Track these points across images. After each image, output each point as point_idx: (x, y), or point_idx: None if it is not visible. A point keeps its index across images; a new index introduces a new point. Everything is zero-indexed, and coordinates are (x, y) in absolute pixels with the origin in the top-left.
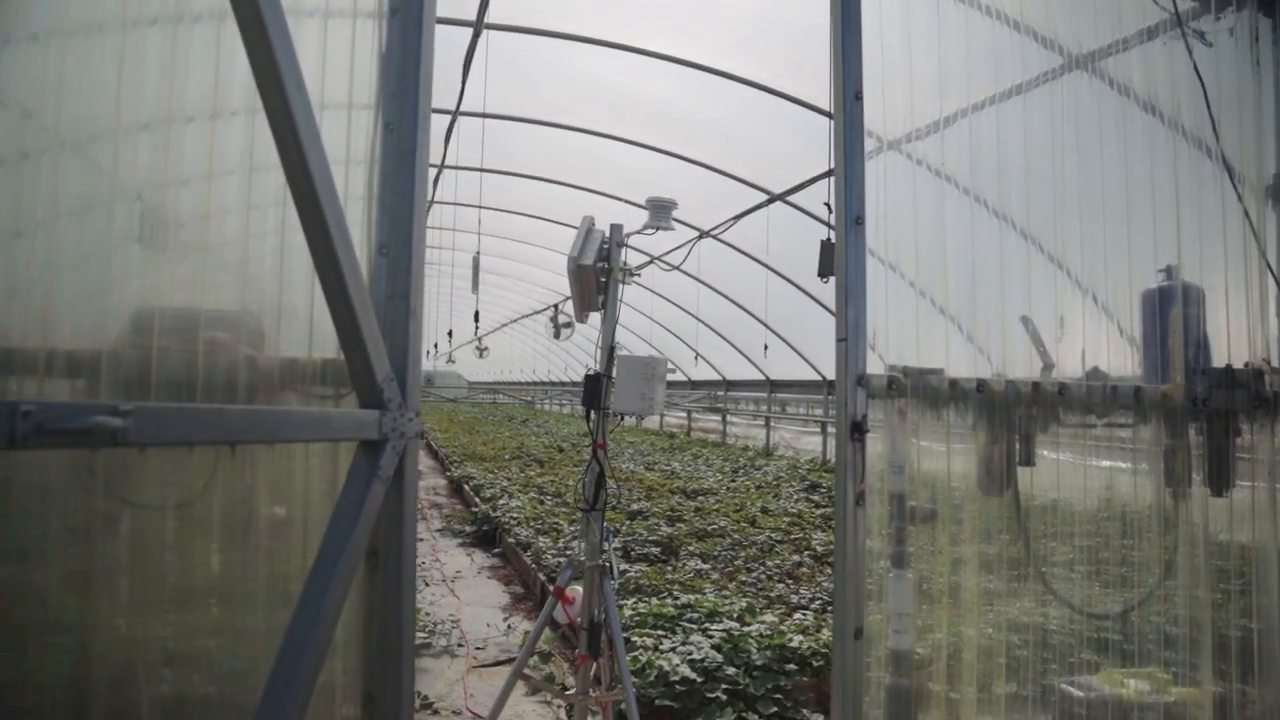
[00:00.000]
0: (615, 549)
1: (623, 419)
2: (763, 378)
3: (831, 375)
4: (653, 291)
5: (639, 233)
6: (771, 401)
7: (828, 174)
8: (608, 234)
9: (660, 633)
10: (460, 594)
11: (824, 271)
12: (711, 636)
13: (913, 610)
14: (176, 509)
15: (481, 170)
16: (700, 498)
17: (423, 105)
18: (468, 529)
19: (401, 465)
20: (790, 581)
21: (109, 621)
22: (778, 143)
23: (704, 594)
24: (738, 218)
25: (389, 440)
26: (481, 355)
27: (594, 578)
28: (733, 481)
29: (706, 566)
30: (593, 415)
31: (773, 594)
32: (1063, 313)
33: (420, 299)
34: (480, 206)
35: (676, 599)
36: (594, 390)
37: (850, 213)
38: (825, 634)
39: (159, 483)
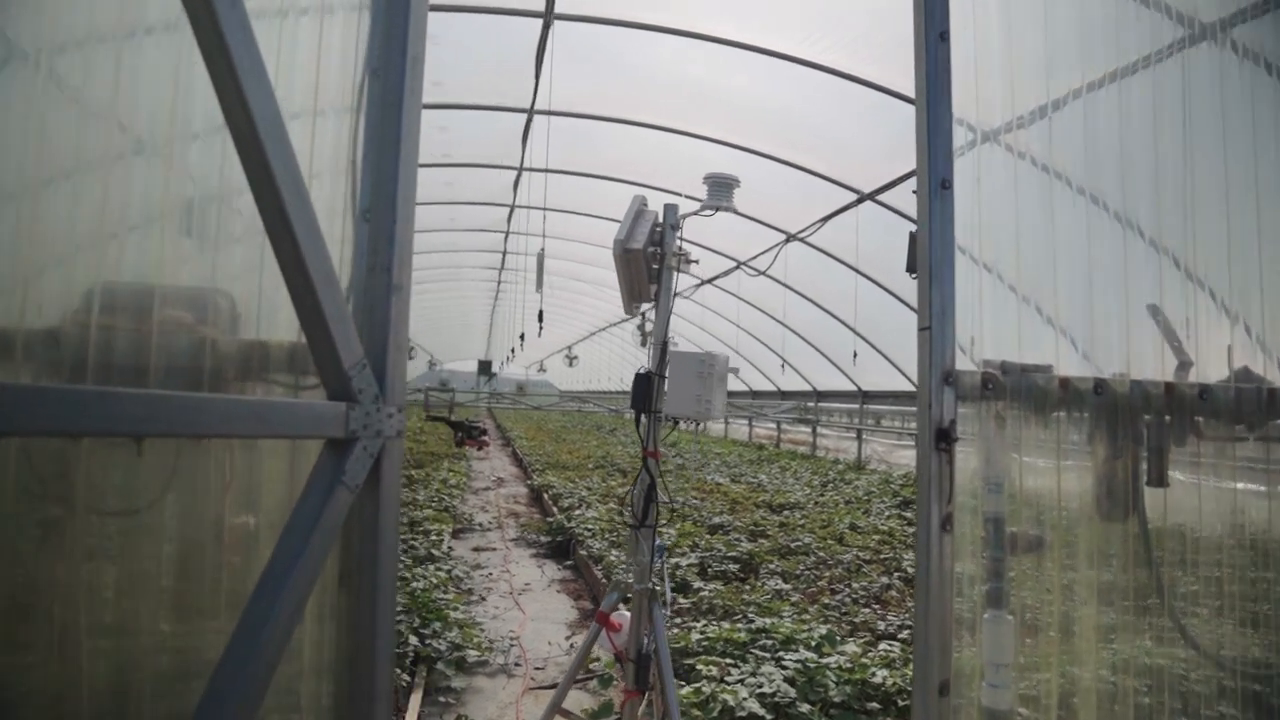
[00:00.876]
0: (692, 566)
1: (677, 424)
2: (854, 388)
3: None
4: (738, 298)
5: (696, 214)
6: (863, 413)
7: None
8: (661, 215)
9: (729, 661)
10: (526, 608)
11: (913, 266)
12: (785, 667)
13: (1011, 660)
14: (50, 522)
15: (561, 172)
16: (786, 512)
17: (413, 46)
18: (542, 539)
19: (378, 470)
20: (877, 606)
21: None
22: (867, 138)
23: (781, 617)
24: (825, 219)
25: (359, 439)
26: (571, 364)
27: (642, 603)
28: (821, 496)
29: (787, 587)
30: (643, 419)
31: (857, 619)
32: (1196, 305)
33: (407, 272)
34: (563, 211)
35: (750, 622)
36: (643, 391)
37: (935, 174)
38: (913, 669)
39: (48, 481)
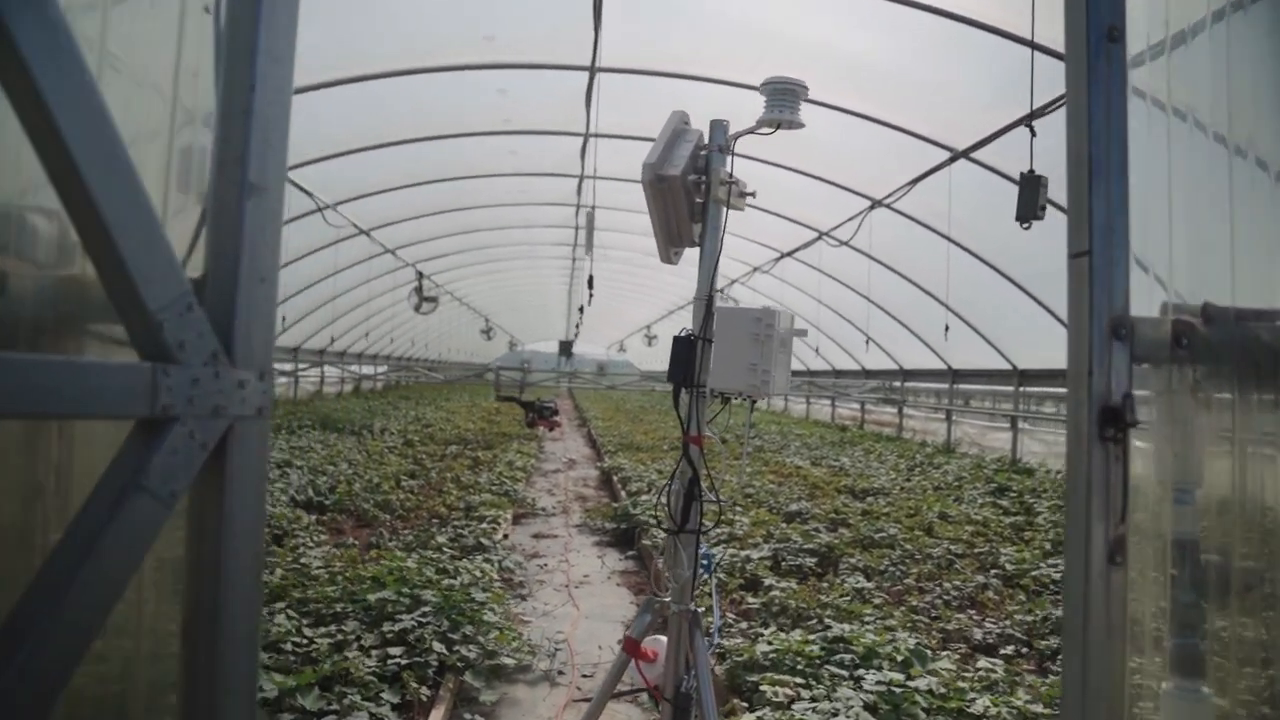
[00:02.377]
0: (764, 559)
1: (727, 402)
2: (943, 366)
3: (1024, 364)
4: (819, 270)
5: (752, 131)
6: (953, 393)
7: (1027, 118)
8: (706, 136)
9: (799, 681)
10: (581, 603)
11: (1025, 213)
12: (865, 691)
13: None
14: None
15: (628, 137)
16: (869, 499)
17: None
18: (607, 525)
19: (221, 468)
20: (973, 611)
21: None
22: (961, 87)
23: (862, 623)
24: (914, 182)
25: (177, 420)
26: (650, 343)
27: (682, 629)
28: (907, 481)
29: (869, 585)
30: (683, 396)
31: (949, 626)
32: None
33: (280, 174)
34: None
35: (826, 629)
36: (683, 360)
37: (1096, 20)
38: (1021, 696)
39: None
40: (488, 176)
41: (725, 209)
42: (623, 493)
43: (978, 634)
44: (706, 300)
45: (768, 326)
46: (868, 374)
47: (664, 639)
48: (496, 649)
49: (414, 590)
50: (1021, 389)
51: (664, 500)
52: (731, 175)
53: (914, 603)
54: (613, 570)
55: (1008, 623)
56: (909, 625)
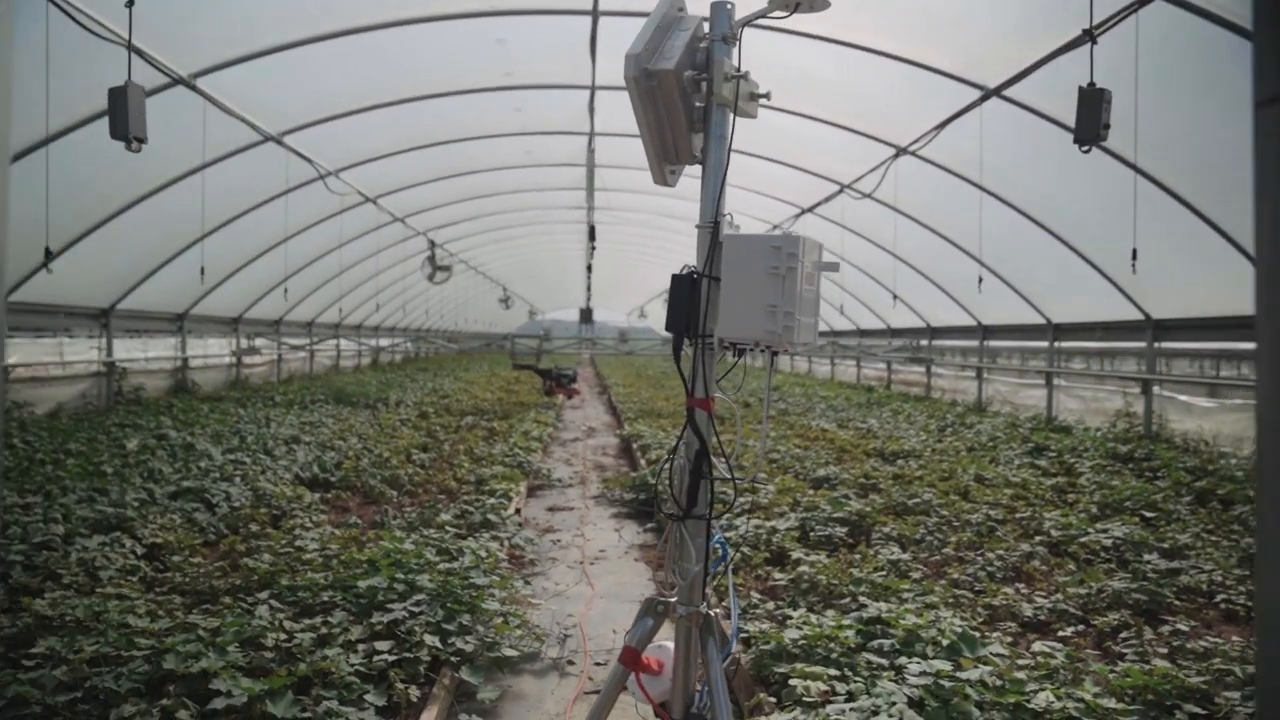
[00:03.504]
0: (791, 530)
1: (741, 355)
2: (973, 323)
3: (1059, 318)
4: (841, 226)
5: (764, 15)
6: (984, 350)
7: (1070, 46)
8: (706, 25)
9: (833, 673)
10: (596, 581)
11: (1085, 134)
12: (909, 684)
13: None
14: None
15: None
16: (900, 461)
17: None
18: (626, 496)
19: None
20: (1019, 583)
21: None
22: (992, 15)
23: (900, 598)
24: (941, 126)
25: None
26: None
27: (691, 635)
28: (939, 442)
29: (905, 556)
30: (686, 349)
31: (995, 601)
32: None
33: None
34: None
35: (861, 609)
36: (685, 303)
37: None
38: (1089, 688)
39: None
40: (493, 137)
41: (732, 114)
42: (642, 461)
43: (1027, 610)
44: (712, 227)
45: (790, 257)
46: (894, 333)
47: (670, 646)
48: (498, 639)
49: (409, 575)
50: (1056, 344)
51: (666, 479)
52: (740, 69)
53: (955, 575)
54: (631, 544)
55: (1059, 596)
56: (951, 601)
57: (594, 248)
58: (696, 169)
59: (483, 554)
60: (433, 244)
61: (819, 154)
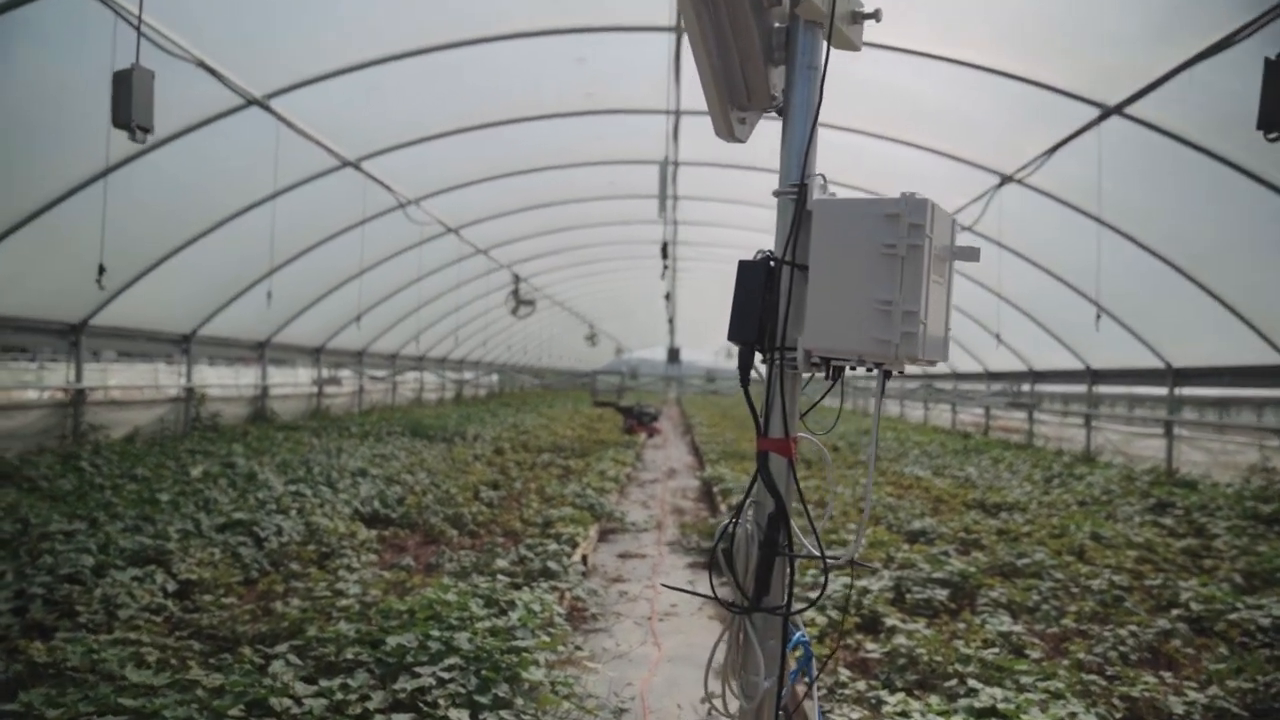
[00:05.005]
0: (884, 591)
1: (839, 378)
2: (1081, 366)
3: (1180, 362)
4: None
5: None
6: (1093, 396)
7: (1219, 46)
8: None
9: None
10: (664, 641)
11: (1273, 117)
12: None
13: None
14: None
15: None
16: (1003, 514)
17: None
18: (704, 544)
19: None
20: (1161, 669)
21: None
22: (1118, 19)
23: (1018, 683)
24: (1051, 150)
25: None
26: None
27: None
28: (1045, 494)
29: (1018, 628)
30: (758, 366)
31: (1135, 693)
32: None
33: None
34: (729, 166)
35: (971, 694)
36: (755, 302)
37: None
38: None
39: None
40: (575, 166)
41: (826, 37)
42: (722, 506)
43: (1177, 706)
44: (796, 192)
45: (913, 230)
46: (992, 376)
47: None
48: (540, 714)
49: (446, 633)
50: (1176, 390)
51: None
52: None
53: (1079, 653)
54: (705, 600)
55: (1216, 690)
56: (1079, 689)
57: (667, 266)
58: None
59: (536, 608)
60: (517, 278)
61: (911, 183)
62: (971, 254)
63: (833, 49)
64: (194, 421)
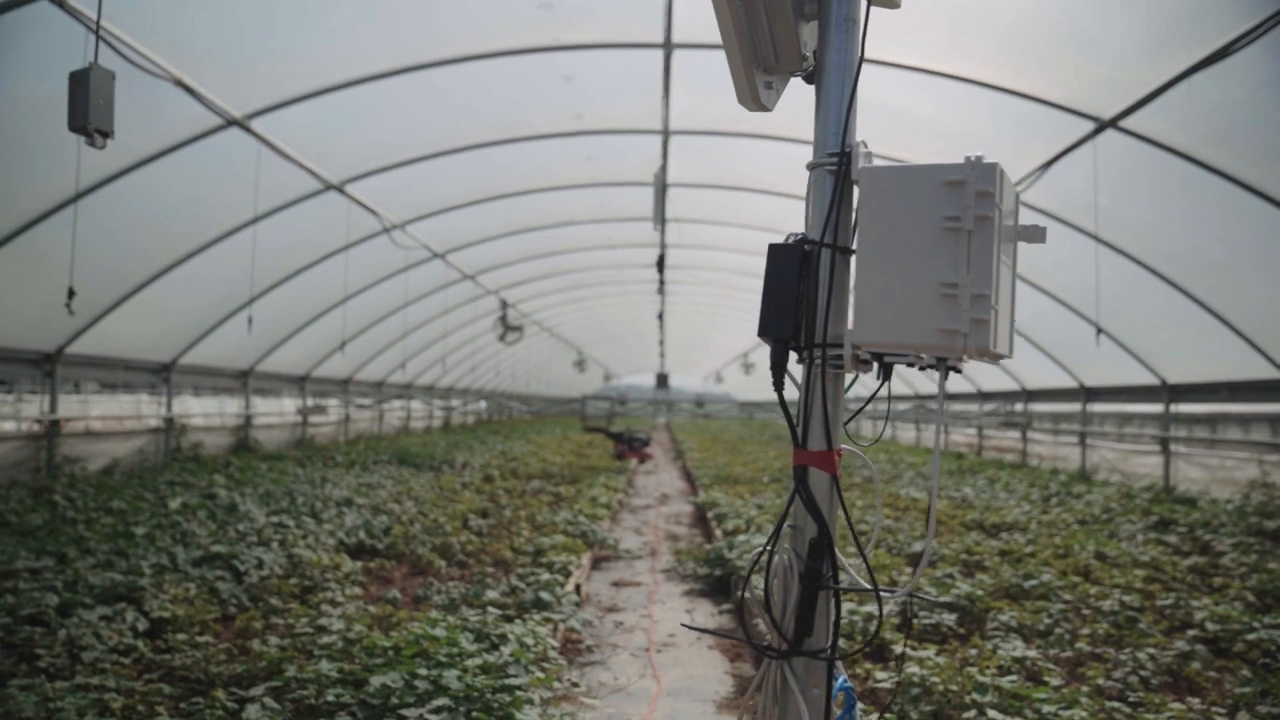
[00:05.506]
0: (890, 616)
1: (888, 377)
2: (1075, 384)
3: (1175, 378)
4: None
5: None
6: (1087, 415)
7: (1217, 56)
8: None
9: None
10: (663, 673)
11: None
12: None
13: None
14: None
15: (713, 133)
16: (1004, 535)
17: None
18: (699, 571)
19: None
20: (1183, 691)
21: None
22: (1107, 30)
23: (1039, 712)
24: (1045, 166)
25: None
26: (748, 371)
27: None
28: (1044, 514)
29: (1032, 653)
30: (794, 365)
31: (1160, 718)
32: None
33: None
34: (723, 186)
35: None
36: (790, 291)
37: None
38: None
39: None
40: (564, 189)
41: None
42: (717, 532)
43: None
44: (836, 163)
45: (981, 199)
46: (984, 395)
47: None
48: None
49: (434, 671)
50: (1172, 407)
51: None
52: None
53: (1096, 678)
54: (724, 636)
55: (1245, 716)
56: (1104, 715)
57: (664, 280)
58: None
59: (529, 641)
60: (504, 303)
61: None
62: (1037, 234)
63: (871, 5)
64: (174, 452)
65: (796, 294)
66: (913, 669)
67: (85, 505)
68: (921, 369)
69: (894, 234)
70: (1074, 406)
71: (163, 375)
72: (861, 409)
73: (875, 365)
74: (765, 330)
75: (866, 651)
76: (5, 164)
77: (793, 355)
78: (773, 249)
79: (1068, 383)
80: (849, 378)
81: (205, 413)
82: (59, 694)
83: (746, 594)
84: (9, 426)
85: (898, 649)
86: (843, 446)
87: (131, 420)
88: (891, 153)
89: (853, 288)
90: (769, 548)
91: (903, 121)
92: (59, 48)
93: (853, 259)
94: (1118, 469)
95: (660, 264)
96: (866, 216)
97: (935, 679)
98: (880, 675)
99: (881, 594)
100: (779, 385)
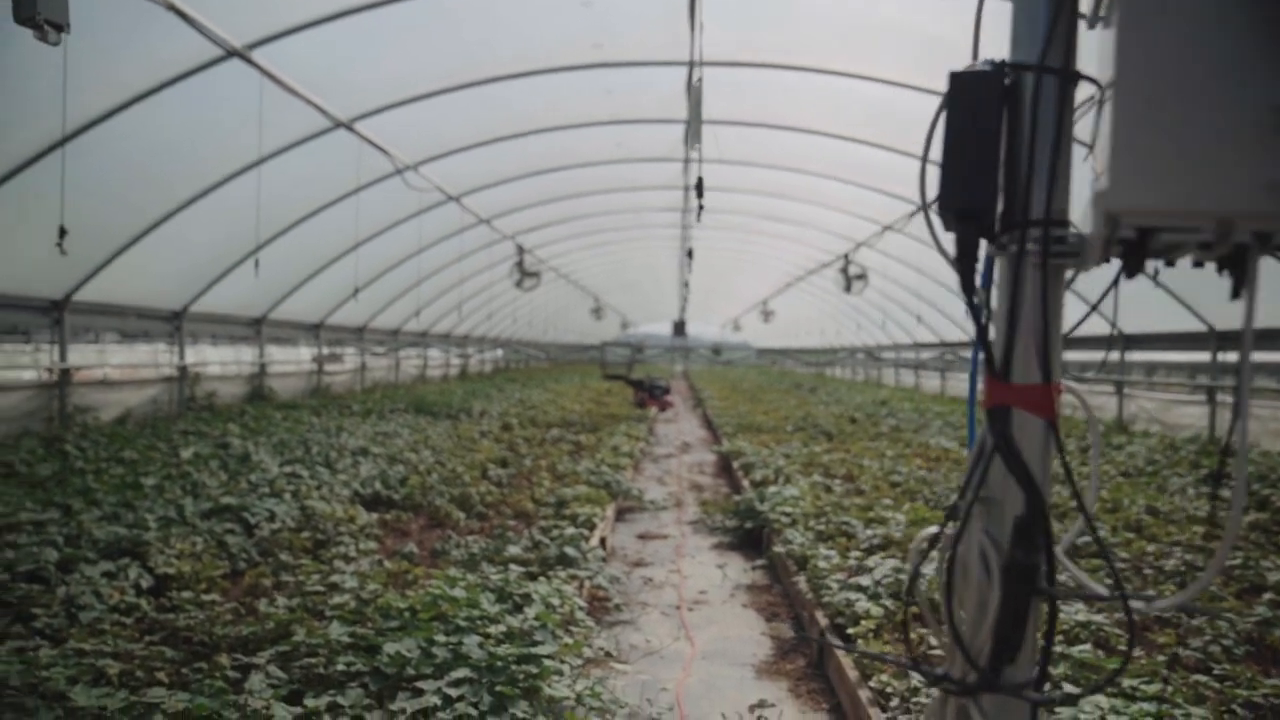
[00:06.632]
0: (934, 576)
1: (1134, 263)
2: (1109, 331)
3: (1224, 324)
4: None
5: None
6: (1124, 363)
7: None
8: None
9: None
10: (697, 633)
11: None
12: None
13: None
14: None
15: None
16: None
17: None
18: (728, 523)
19: None
20: (1267, 662)
21: None
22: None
23: (1118, 686)
24: None
25: None
26: (767, 320)
27: None
28: (1083, 465)
29: (1098, 617)
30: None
31: (1255, 695)
32: None
33: None
34: (748, 123)
35: (1067, 700)
36: (985, 142)
37: None
38: None
39: None
40: (582, 126)
41: None
42: (745, 482)
43: None
44: None
45: None
46: None
47: None
48: None
49: (453, 636)
50: (1220, 356)
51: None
52: None
53: (1169, 645)
54: (737, 584)
55: None
56: (1191, 694)
57: (702, 206)
58: None
59: (554, 601)
60: (520, 249)
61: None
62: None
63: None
64: (189, 402)
65: (998, 148)
66: None
67: (96, 455)
68: (1213, 261)
69: (1182, 34)
70: (1112, 354)
71: (174, 323)
72: (1084, 318)
73: (1136, 247)
74: (948, 202)
75: (918, 614)
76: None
77: (984, 248)
78: (956, 80)
79: (1102, 328)
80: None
81: (222, 361)
82: (51, 659)
83: (913, 600)
84: (23, 375)
85: None
86: (1063, 383)
87: (147, 369)
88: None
89: (1106, 128)
90: (949, 528)
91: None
92: None
93: (1081, 89)
94: (1158, 419)
95: (699, 187)
96: (1133, 9)
97: None
98: (934, 642)
99: (1131, 603)
100: (968, 288)
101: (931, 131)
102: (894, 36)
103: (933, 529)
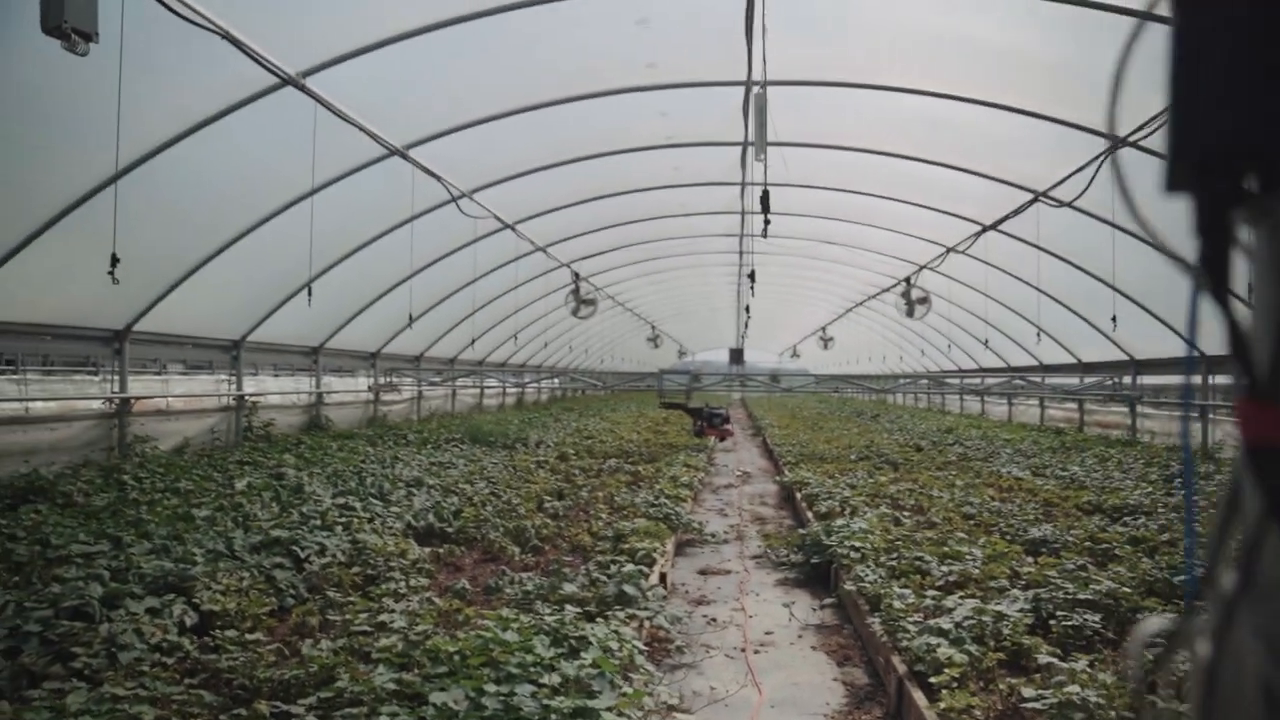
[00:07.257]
0: (1023, 617)
1: None
2: (1192, 353)
3: None
4: (1036, 246)
5: None
6: (1209, 387)
7: None
8: None
9: None
10: (764, 679)
11: None
12: None
13: None
14: None
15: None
16: (1128, 519)
17: None
18: (793, 558)
19: None
20: None
21: None
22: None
23: None
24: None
25: None
26: (826, 346)
27: None
28: (1169, 495)
29: None
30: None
31: None
32: None
33: None
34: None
35: None
36: (1245, 43)
37: None
38: None
39: None
40: (637, 150)
41: None
42: (809, 514)
43: None
44: None
45: None
46: (1086, 367)
47: None
48: None
49: (505, 685)
50: None
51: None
52: None
53: None
54: (805, 624)
55: None
56: None
57: (769, 221)
58: None
59: (613, 645)
60: (577, 276)
61: (1005, 151)
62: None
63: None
64: (246, 431)
65: (1264, 55)
66: (1067, 684)
67: (152, 485)
68: None
69: None
70: (1192, 378)
71: (232, 353)
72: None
73: None
74: (1190, 138)
75: (1002, 660)
76: (57, 137)
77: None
78: None
79: (1184, 351)
80: None
81: (280, 390)
82: (84, 705)
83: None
84: (92, 405)
85: (1040, 657)
86: None
87: (205, 399)
88: (993, 96)
89: None
90: (1201, 627)
91: (1006, 57)
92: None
93: None
94: None
95: (765, 201)
96: None
97: (1096, 699)
98: (1027, 693)
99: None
100: (1218, 270)
101: (1138, 32)
102: (952, 48)
103: (1158, 622)
